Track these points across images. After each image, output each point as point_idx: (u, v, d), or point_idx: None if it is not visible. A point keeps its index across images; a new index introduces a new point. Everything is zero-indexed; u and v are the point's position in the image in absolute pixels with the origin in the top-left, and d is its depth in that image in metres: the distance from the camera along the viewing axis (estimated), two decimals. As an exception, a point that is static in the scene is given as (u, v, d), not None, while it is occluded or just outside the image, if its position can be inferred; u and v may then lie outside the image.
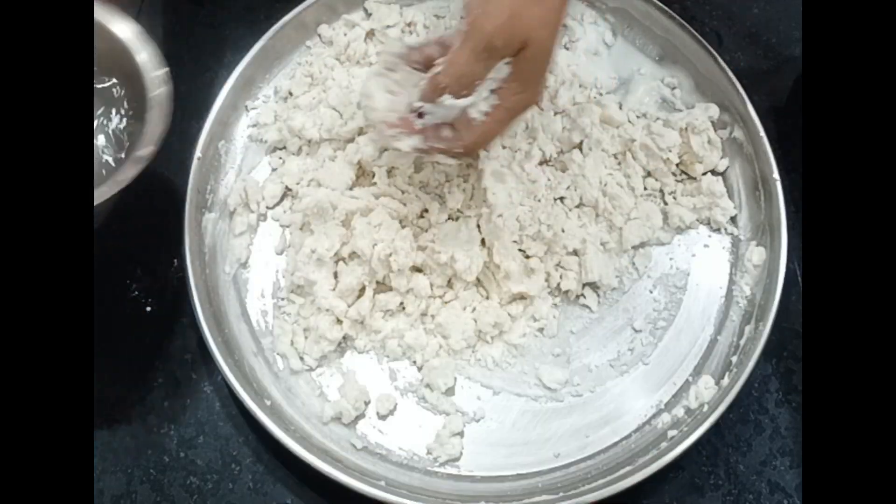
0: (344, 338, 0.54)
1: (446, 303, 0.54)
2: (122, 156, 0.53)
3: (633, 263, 0.57)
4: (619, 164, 0.59)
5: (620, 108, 0.61)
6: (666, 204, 0.59)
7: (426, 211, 0.55)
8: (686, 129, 0.59)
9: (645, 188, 0.59)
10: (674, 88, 0.63)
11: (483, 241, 0.54)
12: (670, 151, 0.58)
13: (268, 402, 0.51)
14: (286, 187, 0.58)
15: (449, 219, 0.55)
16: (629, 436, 0.52)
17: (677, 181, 0.59)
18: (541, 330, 0.55)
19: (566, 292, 0.56)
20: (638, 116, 0.61)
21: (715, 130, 0.60)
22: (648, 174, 0.59)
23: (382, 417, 0.52)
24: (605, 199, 0.57)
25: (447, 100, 0.46)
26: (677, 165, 0.59)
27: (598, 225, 0.57)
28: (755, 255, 0.56)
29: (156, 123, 0.50)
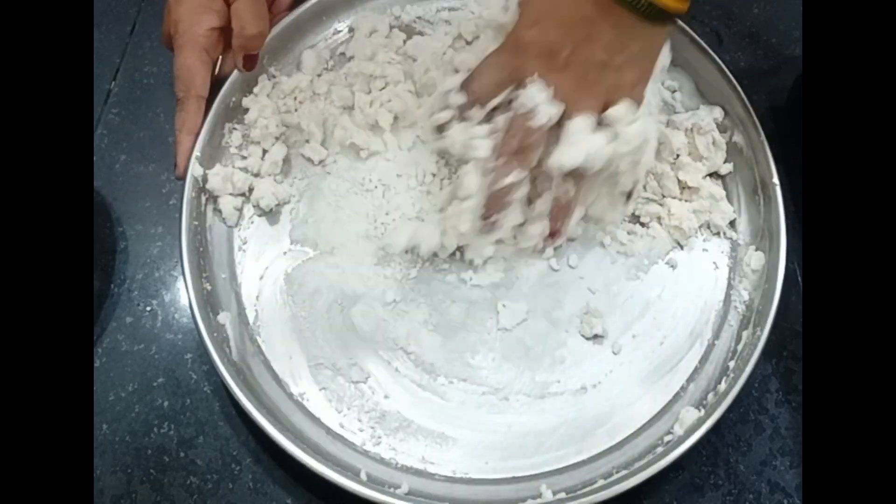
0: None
1: None
2: None
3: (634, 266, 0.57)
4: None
5: None
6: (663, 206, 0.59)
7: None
8: (692, 129, 0.59)
9: (644, 189, 0.59)
10: (674, 91, 0.63)
11: None
12: (679, 151, 0.58)
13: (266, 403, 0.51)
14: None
15: None
16: (624, 441, 0.52)
17: (680, 189, 0.59)
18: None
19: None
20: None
21: (715, 134, 0.60)
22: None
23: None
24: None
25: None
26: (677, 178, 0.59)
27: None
28: (754, 259, 0.56)
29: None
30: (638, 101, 0.51)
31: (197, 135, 0.56)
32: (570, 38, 0.48)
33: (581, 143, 0.50)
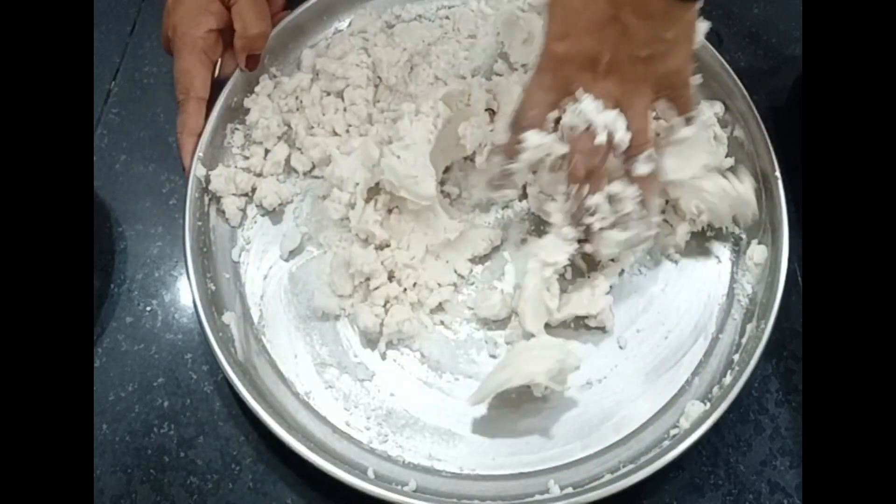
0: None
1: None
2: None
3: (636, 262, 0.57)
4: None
5: None
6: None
7: None
8: None
9: None
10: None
11: None
12: None
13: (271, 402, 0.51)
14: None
15: None
16: (630, 435, 0.52)
17: None
18: None
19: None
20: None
21: (716, 129, 0.60)
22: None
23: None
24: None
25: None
26: None
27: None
28: (756, 253, 0.56)
29: None
30: (686, 89, 0.51)
31: (199, 135, 0.56)
32: (604, 42, 0.47)
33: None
